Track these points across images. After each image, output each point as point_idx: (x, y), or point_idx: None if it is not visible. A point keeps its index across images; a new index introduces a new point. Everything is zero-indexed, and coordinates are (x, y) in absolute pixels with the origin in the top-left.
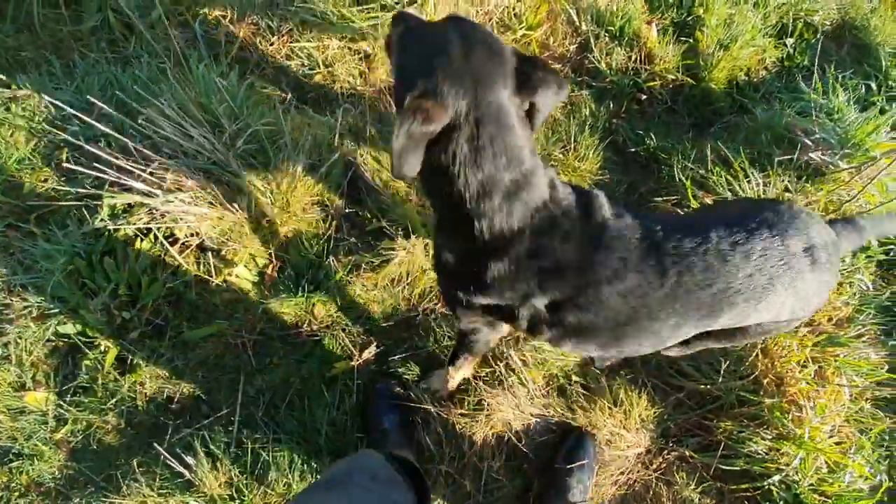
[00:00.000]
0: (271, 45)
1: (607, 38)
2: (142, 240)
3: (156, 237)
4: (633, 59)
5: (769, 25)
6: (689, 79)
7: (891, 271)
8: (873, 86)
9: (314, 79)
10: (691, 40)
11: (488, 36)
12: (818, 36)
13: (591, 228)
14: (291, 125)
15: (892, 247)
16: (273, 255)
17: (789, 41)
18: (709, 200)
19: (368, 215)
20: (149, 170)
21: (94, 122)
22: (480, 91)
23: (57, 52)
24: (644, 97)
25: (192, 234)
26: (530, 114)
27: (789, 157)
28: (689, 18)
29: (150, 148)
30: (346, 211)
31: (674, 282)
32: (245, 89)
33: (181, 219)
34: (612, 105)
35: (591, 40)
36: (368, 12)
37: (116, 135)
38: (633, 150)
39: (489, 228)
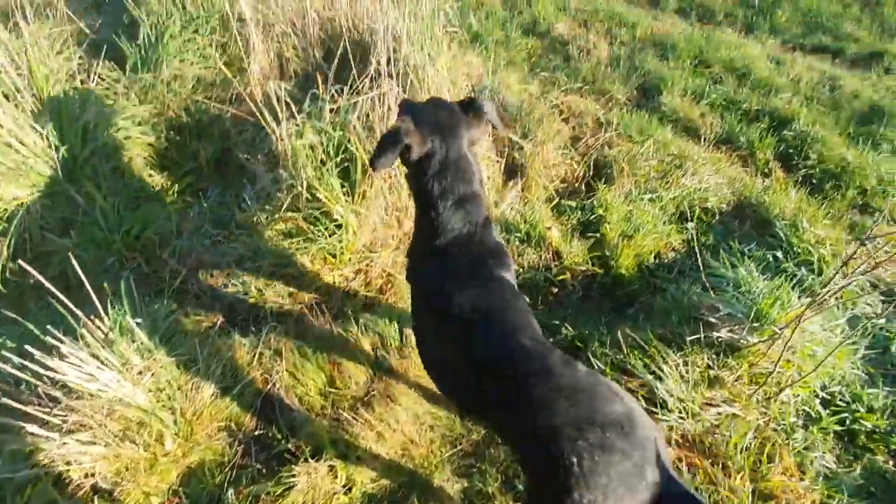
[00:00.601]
0: (211, 276)
1: (517, 242)
2: (34, 486)
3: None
4: (542, 257)
5: (668, 214)
6: (599, 268)
7: (854, 441)
8: (780, 255)
9: (248, 302)
10: (598, 234)
11: (450, 104)
12: (717, 217)
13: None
14: (209, 351)
15: (845, 415)
16: (170, 490)
17: (690, 225)
18: (632, 385)
19: (278, 435)
20: (53, 411)
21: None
22: (447, 134)
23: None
24: (556, 290)
25: (87, 475)
26: (488, 124)
27: (698, 336)
28: (593, 217)
29: (60, 388)
30: (256, 433)
31: None
32: (170, 322)
33: (76, 461)
34: (528, 299)
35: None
36: (299, 243)
37: (31, 379)
38: (551, 339)
39: (438, 217)
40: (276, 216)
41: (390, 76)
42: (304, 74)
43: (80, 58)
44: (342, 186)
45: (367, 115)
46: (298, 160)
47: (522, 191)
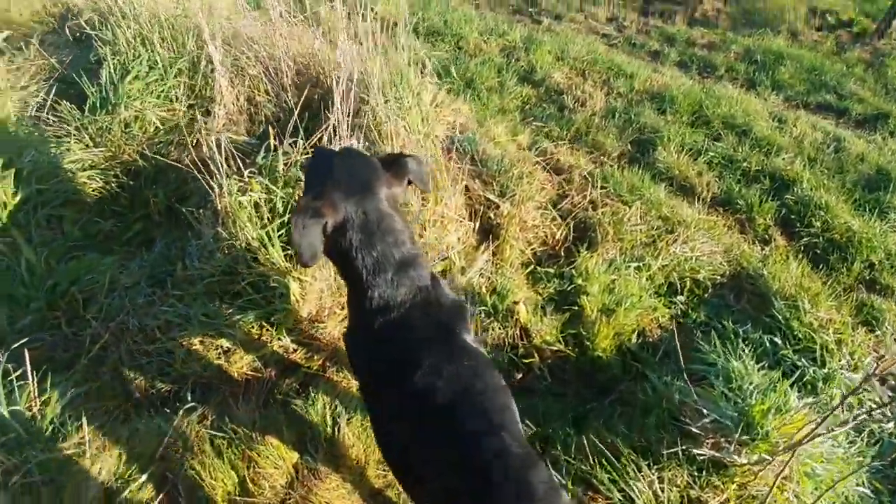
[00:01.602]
0: (135, 342)
1: (483, 314)
2: None
3: None
4: (508, 334)
5: (656, 285)
6: (572, 350)
7: None
8: (778, 340)
9: (171, 375)
10: (575, 307)
11: (365, 157)
12: (710, 291)
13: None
14: (101, 443)
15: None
16: None
17: (680, 298)
18: None
19: None
20: None
21: None
22: (363, 195)
23: None
24: (520, 375)
25: None
26: (411, 184)
27: (676, 450)
28: (571, 288)
29: None
30: None
31: None
32: (69, 400)
33: None
34: None
35: None
36: (235, 310)
37: None
38: None
39: (381, 293)
40: (215, 278)
41: (355, 128)
42: (274, 120)
43: (42, 94)
44: (284, 249)
45: None
46: (238, 218)
47: (495, 255)
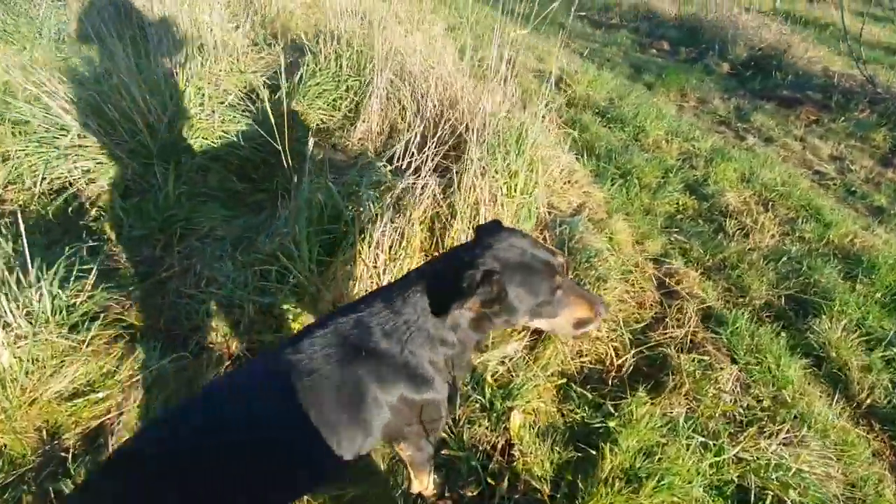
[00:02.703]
0: (186, 284)
1: (475, 406)
2: None
3: None
4: (492, 441)
5: (719, 479)
6: None
7: None
8: None
9: (187, 325)
10: (592, 453)
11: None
12: None
13: None
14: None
15: None
16: None
17: None
18: None
19: None
20: None
21: None
22: None
23: None
24: (467, 490)
25: None
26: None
27: None
28: (600, 426)
29: None
30: None
31: None
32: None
33: None
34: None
35: None
36: (266, 294)
37: None
38: None
39: None
40: (266, 261)
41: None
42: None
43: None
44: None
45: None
46: (300, 216)
47: (532, 349)
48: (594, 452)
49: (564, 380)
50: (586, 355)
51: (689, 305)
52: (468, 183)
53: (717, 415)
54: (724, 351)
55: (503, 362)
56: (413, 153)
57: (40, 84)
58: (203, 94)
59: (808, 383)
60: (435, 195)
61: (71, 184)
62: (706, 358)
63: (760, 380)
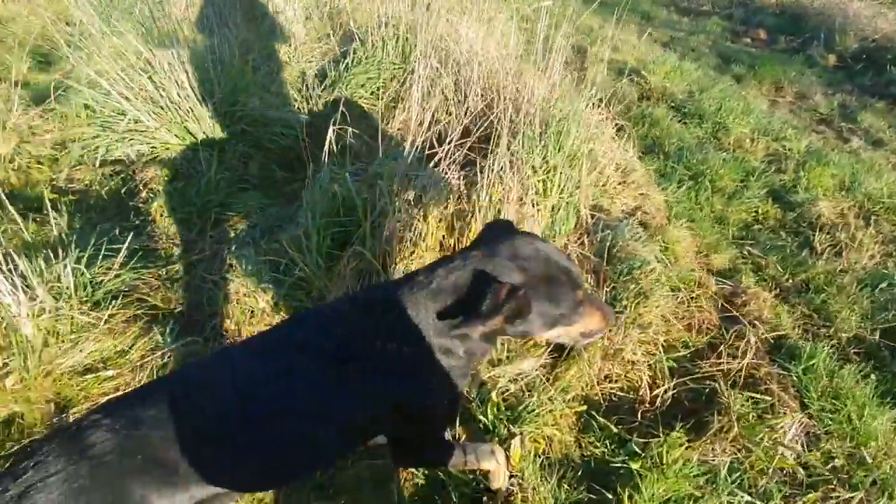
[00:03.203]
0: (211, 269)
1: (477, 423)
2: None
3: None
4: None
5: None
6: None
7: None
8: None
9: (206, 310)
10: (607, 495)
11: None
12: None
13: None
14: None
15: None
16: None
17: None
18: None
19: None
20: None
21: None
22: None
23: None
24: None
25: None
26: None
27: None
28: (621, 467)
29: None
30: None
31: None
32: None
33: None
34: None
35: None
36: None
37: None
38: None
39: None
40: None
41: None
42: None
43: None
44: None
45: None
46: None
47: (554, 368)
48: (610, 496)
49: (586, 407)
50: (616, 381)
51: (755, 332)
52: (493, 179)
53: (770, 470)
54: (793, 392)
55: (516, 380)
56: (441, 145)
57: (103, 72)
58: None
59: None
60: (460, 190)
61: (128, 165)
62: (767, 398)
63: (835, 431)
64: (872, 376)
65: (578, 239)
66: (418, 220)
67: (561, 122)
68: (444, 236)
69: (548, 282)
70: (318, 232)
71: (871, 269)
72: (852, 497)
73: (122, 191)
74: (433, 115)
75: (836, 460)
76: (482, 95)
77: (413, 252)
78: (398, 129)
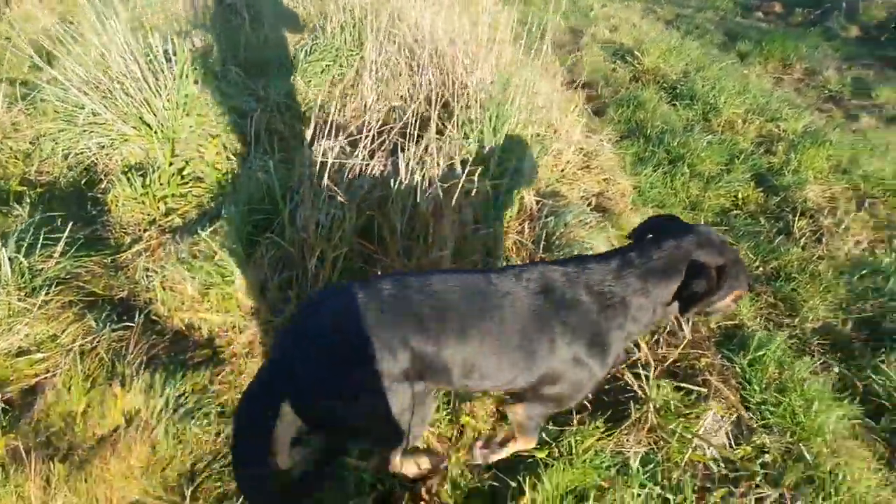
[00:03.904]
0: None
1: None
2: None
3: None
4: None
5: None
6: None
7: None
8: None
9: None
10: None
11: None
12: None
13: None
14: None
15: None
16: None
17: None
18: None
19: None
20: None
21: None
22: None
23: None
24: None
25: None
26: None
27: None
28: None
29: None
30: None
31: None
32: None
33: None
34: None
35: None
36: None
37: None
38: None
39: None
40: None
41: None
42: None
43: None
44: None
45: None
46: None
47: None
48: (514, 485)
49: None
50: None
51: (705, 322)
52: (413, 167)
53: (683, 463)
54: (734, 384)
55: None
56: (371, 132)
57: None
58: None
59: (855, 438)
60: (384, 177)
61: (89, 158)
62: (703, 390)
63: (775, 426)
64: (836, 369)
65: (520, 226)
66: (335, 208)
67: (501, 105)
68: (363, 226)
69: (739, 266)
70: (241, 219)
71: (855, 256)
72: (771, 495)
73: (83, 182)
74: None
75: (768, 456)
76: (437, 80)
77: (330, 240)
78: (352, 117)
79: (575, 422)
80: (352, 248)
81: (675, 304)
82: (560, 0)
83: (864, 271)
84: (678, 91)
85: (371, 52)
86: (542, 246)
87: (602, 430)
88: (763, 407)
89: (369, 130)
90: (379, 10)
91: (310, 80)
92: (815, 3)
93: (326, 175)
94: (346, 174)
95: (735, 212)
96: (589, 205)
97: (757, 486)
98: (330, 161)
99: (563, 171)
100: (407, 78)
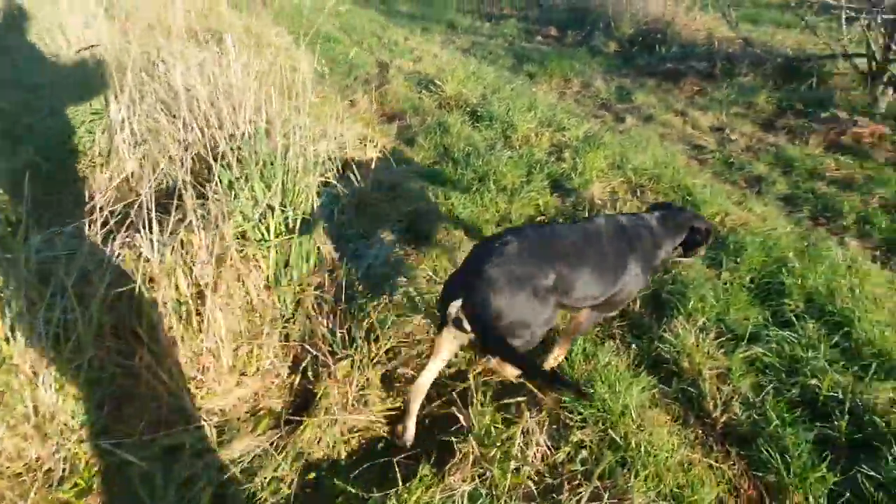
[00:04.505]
0: None
1: None
2: None
3: None
4: None
5: None
6: None
7: None
8: None
9: None
10: None
11: None
12: None
13: None
14: None
15: None
16: None
17: None
18: None
19: None
20: None
21: None
22: None
23: None
24: None
25: None
26: None
27: None
28: None
29: None
30: None
31: None
32: None
33: None
34: None
35: None
36: None
37: None
38: None
39: None
40: None
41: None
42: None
43: None
44: None
45: None
46: None
47: (290, 435)
48: None
49: (317, 472)
50: (363, 430)
51: None
52: (173, 243)
53: (508, 486)
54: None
55: (240, 461)
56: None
57: None
58: None
59: (655, 406)
60: (136, 259)
61: None
62: (524, 398)
63: (590, 417)
64: (633, 347)
65: (319, 279)
66: (68, 311)
67: (269, 155)
68: (111, 324)
69: (712, 229)
70: None
71: None
72: (584, 492)
73: None
74: (153, 164)
75: (585, 451)
76: (196, 136)
77: (69, 343)
78: (108, 189)
79: (400, 481)
80: (103, 349)
81: (679, 249)
82: (367, 36)
83: None
84: (479, 114)
85: (118, 112)
86: (344, 296)
87: (429, 477)
88: (577, 402)
89: (111, 208)
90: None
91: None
92: (581, 25)
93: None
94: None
95: (539, 217)
96: (398, 240)
97: (579, 485)
98: (55, 254)
99: (366, 208)
100: (169, 136)
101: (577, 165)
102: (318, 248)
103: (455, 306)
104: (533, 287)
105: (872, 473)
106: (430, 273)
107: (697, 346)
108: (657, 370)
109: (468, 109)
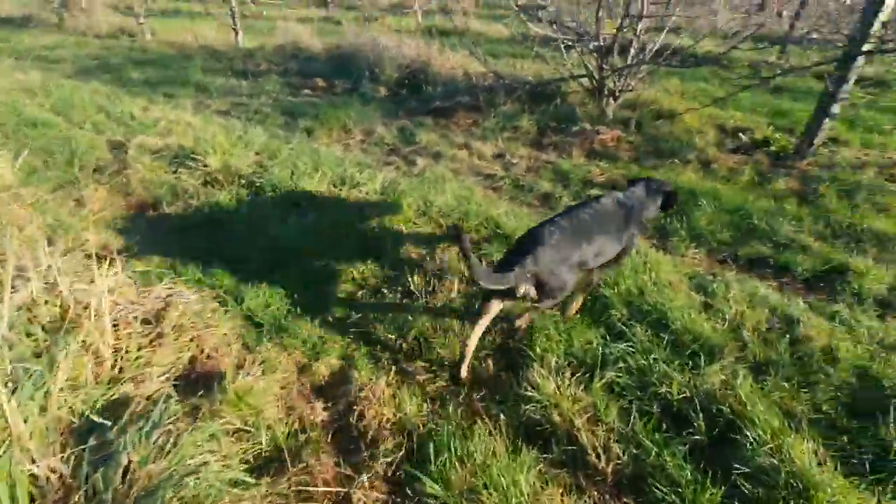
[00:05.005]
0: None
1: None
2: None
3: None
4: None
5: None
6: None
7: None
8: None
9: None
10: None
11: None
12: None
13: None
14: None
15: None
16: None
17: None
18: None
19: None
20: None
21: None
22: None
23: None
24: None
25: None
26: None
27: None
28: None
29: None
30: None
31: None
32: None
33: None
34: None
35: None
36: None
37: None
38: None
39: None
40: None
41: None
42: None
43: None
44: None
45: None
46: None
47: None
48: None
49: None
50: None
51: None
52: None
53: None
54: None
55: None
56: None
57: None
58: None
59: (545, 484)
60: None
61: None
62: None
63: None
64: (503, 417)
65: None
66: None
67: None
68: None
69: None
70: None
71: (465, 292)
72: None
73: None
74: None
75: None
76: None
77: None
78: None
79: None
80: None
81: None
82: (92, 112)
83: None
84: (258, 184)
85: None
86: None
87: None
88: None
89: None
90: None
91: None
92: (347, 74)
93: None
94: None
95: (363, 294)
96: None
97: None
98: None
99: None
100: None
101: (384, 224)
102: None
103: (524, 284)
104: (570, 264)
105: (743, 469)
106: None
107: (559, 391)
108: (533, 436)
109: (243, 182)
